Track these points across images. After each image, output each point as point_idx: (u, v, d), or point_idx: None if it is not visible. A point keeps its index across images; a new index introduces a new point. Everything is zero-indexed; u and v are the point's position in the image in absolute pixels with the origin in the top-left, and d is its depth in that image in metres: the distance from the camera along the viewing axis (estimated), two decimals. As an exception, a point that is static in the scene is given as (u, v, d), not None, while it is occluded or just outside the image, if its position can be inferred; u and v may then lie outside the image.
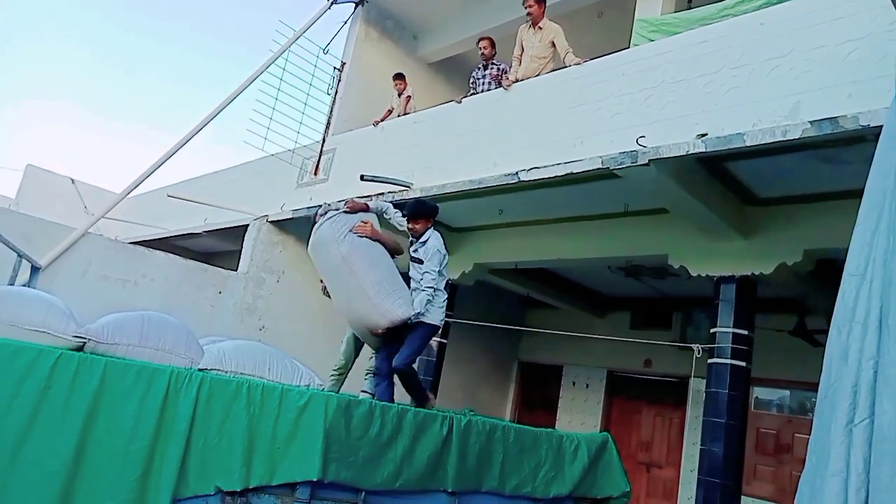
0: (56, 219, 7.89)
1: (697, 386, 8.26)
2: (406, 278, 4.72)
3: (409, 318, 4.39)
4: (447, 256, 4.71)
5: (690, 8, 6.25)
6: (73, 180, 14.59)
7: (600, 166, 5.01)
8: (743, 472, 5.49)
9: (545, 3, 6.56)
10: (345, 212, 4.66)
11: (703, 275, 5.80)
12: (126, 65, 48.86)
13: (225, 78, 59.33)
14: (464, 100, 6.87)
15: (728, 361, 5.37)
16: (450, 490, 3.81)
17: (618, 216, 6.43)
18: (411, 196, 6.70)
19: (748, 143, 4.23)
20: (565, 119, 5.57)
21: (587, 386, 10.45)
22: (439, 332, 4.86)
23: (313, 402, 3.34)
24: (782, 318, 7.58)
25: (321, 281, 4.88)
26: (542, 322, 10.41)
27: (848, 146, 4.26)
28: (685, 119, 4.67)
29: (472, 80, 7.40)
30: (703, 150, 4.43)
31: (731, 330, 5.44)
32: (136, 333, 3.47)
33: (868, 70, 3.86)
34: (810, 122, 3.96)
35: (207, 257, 11.92)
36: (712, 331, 5.61)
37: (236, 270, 8.43)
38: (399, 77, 8.52)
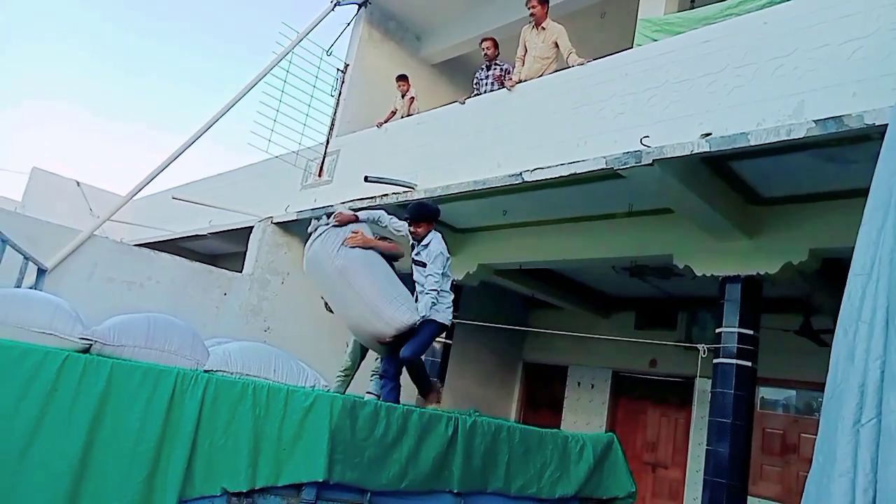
0: (61, 221, 7.94)
1: (703, 386, 8.25)
2: (406, 281, 4.71)
3: (415, 323, 4.37)
4: (450, 258, 4.70)
5: (693, 7, 6.24)
6: (78, 183, 14.66)
7: (604, 166, 5.00)
8: (749, 472, 5.48)
9: (548, 3, 6.56)
10: (334, 225, 4.57)
11: (708, 275, 5.79)
12: (126, 65, 49.14)
13: (224, 78, 59.52)
14: (467, 101, 6.87)
15: (734, 361, 5.35)
16: (455, 491, 3.80)
17: (622, 216, 6.43)
18: (415, 197, 6.70)
19: (752, 143, 4.23)
20: (569, 119, 5.57)
21: (592, 386, 10.44)
22: (446, 331, 4.83)
23: (319, 403, 3.34)
24: (788, 318, 7.56)
25: (322, 297, 4.82)
26: (547, 322, 10.40)
27: (853, 145, 4.25)
28: (689, 119, 4.66)
29: (475, 81, 7.41)
30: (708, 149, 4.43)
31: (736, 330, 5.43)
32: (142, 335, 3.48)
33: (873, 68, 3.85)
34: (815, 122, 3.95)
35: (212, 259, 11.95)
36: (718, 331, 5.59)
37: (241, 272, 8.45)
38: (402, 78, 8.53)
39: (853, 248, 2.86)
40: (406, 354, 4.35)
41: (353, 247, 4.47)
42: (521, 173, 5.63)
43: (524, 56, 6.65)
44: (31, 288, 5.82)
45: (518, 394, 11.48)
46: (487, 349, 10.63)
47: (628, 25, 6.22)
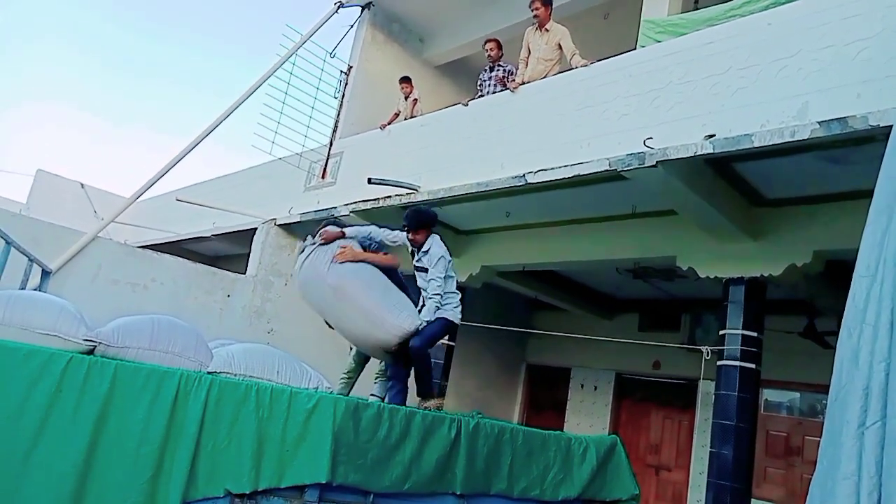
0: (66, 223, 7.95)
1: (706, 388, 8.23)
2: (412, 285, 4.69)
3: (417, 328, 4.34)
4: (451, 260, 4.66)
5: (697, 9, 6.23)
6: (82, 185, 14.71)
7: (608, 168, 5.00)
8: (753, 474, 5.46)
9: (552, 5, 6.57)
10: (321, 244, 4.51)
11: (712, 276, 5.78)
12: (125, 66, 49.38)
13: (225, 80, 59.70)
14: (470, 102, 6.88)
15: (737, 363, 5.34)
16: (458, 493, 3.80)
17: (626, 218, 6.42)
18: (419, 199, 6.71)
19: (756, 144, 4.22)
20: (572, 121, 5.57)
21: (595, 388, 10.42)
22: (456, 329, 4.79)
23: (322, 404, 3.34)
24: (792, 320, 7.54)
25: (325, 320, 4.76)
26: (550, 324, 10.40)
27: (857, 146, 4.23)
28: (693, 120, 4.65)
29: (478, 83, 7.42)
30: (711, 151, 4.42)
31: (740, 332, 5.41)
32: (145, 337, 3.49)
33: (877, 69, 3.84)
34: (819, 123, 3.94)
35: (216, 261, 11.97)
36: (721, 333, 5.58)
37: (244, 274, 8.46)
38: (405, 80, 8.54)
39: (857, 249, 2.85)
40: (415, 344, 4.31)
41: (343, 262, 4.40)
42: (524, 175, 5.63)
43: (527, 58, 6.65)
44: (35, 289, 5.84)
45: (521, 396, 11.47)
46: (490, 351, 10.62)
47: (632, 27, 6.22)
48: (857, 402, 2.58)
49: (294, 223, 8.51)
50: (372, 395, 4.85)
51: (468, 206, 6.90)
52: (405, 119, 8.25)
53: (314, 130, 8.57)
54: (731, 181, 5.34)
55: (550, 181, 5.49)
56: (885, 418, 2.48)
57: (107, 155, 50.80)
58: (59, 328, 3.19)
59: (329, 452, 3.25)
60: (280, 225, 8.72)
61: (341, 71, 8.95)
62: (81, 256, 6.87)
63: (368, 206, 7.22)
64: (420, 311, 4.47)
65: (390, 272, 4.69)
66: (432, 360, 4.75)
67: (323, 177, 8.37)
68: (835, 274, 5.59)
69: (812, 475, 2.78)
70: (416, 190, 6.75)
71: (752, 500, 5.46)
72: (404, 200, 6.83)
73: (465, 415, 4.34)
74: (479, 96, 7.20)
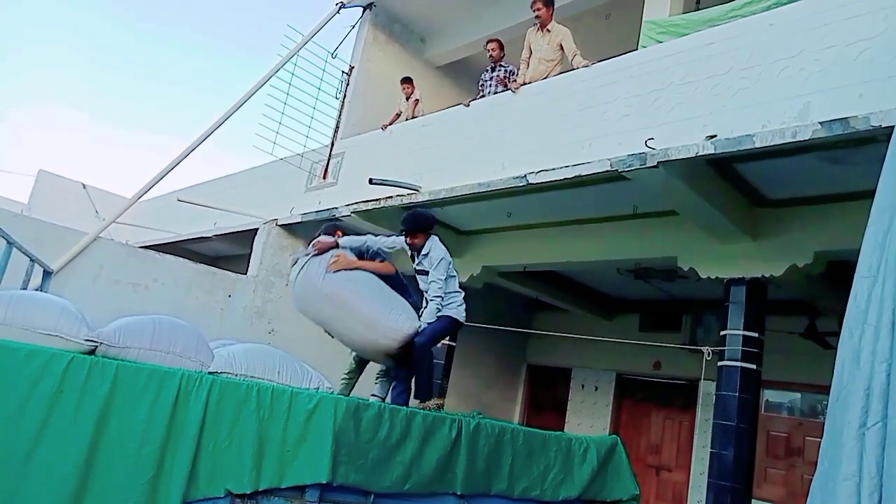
0: (67, 223, 7.96)
1: (707, 388, 8.22)
2: (405, 285, 4.68)
3: (417, 330, 4.34)
4: (452, 261, 4.62)
5: (699, 9, 6.23)
6: (84, 185, 14.73)
7: (609, 168, 4.99)
8: (753, 475, 5.45)
9: (553, 5, 6.56)
10: (314, 255, 4.48)
11: (713, 277, 5.78)
12: (123, 67, 49.48)
13: (224, 80, 59.76)
14: (472, 103, 6.88)
15: (738, 364, 5.34)
16: (458, 493, 3.79)
17: (627, 218, 6.42)
18: (420, 199, 6.71)
19: (758, 145, 4.22)
20: (573, 121, 5.57)
21: (596, 388, 10.42)
22: (460, 328, 4.76)
23: (323, 404, 3.34)
24: (793, 321, 7.53)
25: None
26: (551, 324, 10.40)
27: (858, 147, 4.23)
28: (694, 121, 4.65)
29: (480, 83, 7.42)
30: (713, 151, 4.42)
31: (741, 332, 5.41)
32: (147, 337, 3.49)
33: (879, 70, 3.83)
34: (820, 123, 3.93)
35: (217, 261, 11.98)
36: (722, 333, 5.58)
37: (246, 274, 8.46)
38: (407, 81, 8.55)
39: (859, 250, 2.85)
40: (419, 340, 4.30)
41: (337, 271, 4.38)
42: (525, 175, 5.63)
43: (529, 58, 6.65)
44: (36, 290, 5.85)
45: (521, 396, 11.47)
46: (491, 351, 10.62)
47: (633, 27, 6.22)
48: (858, 402, 2.58)
49: (295, 223, 8.51)
50: (373, 395, 4.85)
51: (469, 206, 6.90)
52: (406, 119, 8.25)
53: (315, 131, 8.59)
54: (733, 182, 5.34)
55: (552, 181, 5.49)
56: (887, 419, 2.48)
57: (108, 155, 50.91)
58: (60, 328, 3.19)
59: (330, 453, 3.25)
60: (281, 225, 8.72)
61: (343, 71, 8.96)
62: (83, 257, 6.87)
63: (370, 206, 7.23)
64: (421, 314, 4.46)
65: (390, 275, 4.69)
66: (433, 360, 4.73)
67: (324, 177, 8.38)
68: (836, 274, 5.59)
69: (813, 476, 2.78)
70: (418, 190, 6.75)
71: (753, 501, 5.47)
72: (406, 201, 6.83)
73: (465, 415, 4.33)
74: (481, 96, 7.21)
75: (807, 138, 3.98)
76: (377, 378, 5.01)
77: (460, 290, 4.67)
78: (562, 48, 6.43)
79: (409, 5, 9.25)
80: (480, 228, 7.88)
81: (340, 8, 8.82)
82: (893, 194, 2.77)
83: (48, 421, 2.80)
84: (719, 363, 5.50)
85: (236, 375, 3.63)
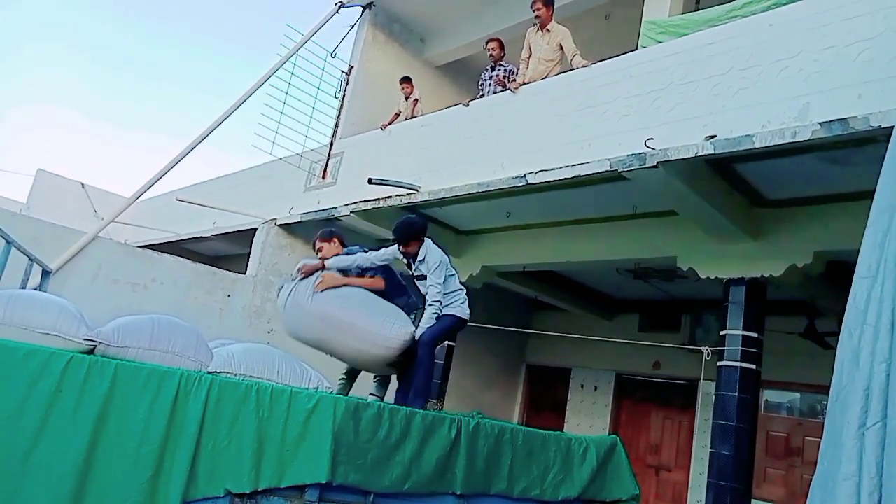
0: (66, 223, 7.95)
1: (707, 389, 8.23)
2: (403, 286, 4.67)
3: (414, 333, 4.32)
4: (448, 264, 4.58)
5: (698, 9, 6.23)
6: (83, 184, 14.71)
7: (608, 168, 4.99)
8: (753, 475, 5.46)
9: (553, 5, 6.56)
10: (301, 279, 4.44)
11: (713, 277, 5.78)
12: (122, 67, 49.48)
13: (224, 80, 59.74)
14: (471, 103, 6.87)
15: (738, 364, 5.34)
16: (458, 493, 3.79)
17: (626, 218, 6.42)
18: (419, 199, 6.71)
19: (757, 145, 4.22)
20: (573, 121, 5.57)
21: (595, 388, 10.42)
22: (464, 325, 4.71)
23: (322, 404, 3.34)
24: (792, 321, 7.54)
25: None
26: (550, 324, 10.41)
27: (858, 147, 4.23)
28: (694, 121, 4.65)
29: (480, 82, 7.42)
30: (712, 151, 4.42)
31: (740, 332, 5.41)
32: (146, 336, 3.48)
33: (879, 70, 3.84)
34: (820, 124, 3.94)
35: (216, 261, 11.97)
36: (722, 333, 5.58)
37: (245, 274, 8.46)
38: (406, 80, 8.54)
39: (858, 250, 2.85)
40: (423, 335, 4.29)
41: (324, 290, 4.34)
42: (524, 175, 5.63)
43: (529, 58, 6.65)
44: (35, 289, 5.84)
45: (521, 396, 11.47)
46: (490, 351, 10.62)
47: (633, 27, 6.22)
48: (857, 402, 2.58)
49: (294, 223, 8.51)
50: (371, 394, 4.85)
51: (469, 206, 6.90)
52: (406, 119, 8.25)
53: (315, 130, 8.59)
54: (732, 182, 5.34)
55: (551, 181, 5.49)
56: (886, 419, 2.48)
57: (107, 155, 50.89)
58: (59, 328, 3.18)
59: (329, 452, 3.25)
60: (280, 225, 8.71)
61: (342, 71, 8.95)
62: (82, 256, 6.87)
63: (369, 206, 7.23)
64: (420, 319, 4.42)
65: (389, 274, 4.68)
66: (434, 362, 4.70)
67: (323, 177, 8.38)
68: (835, 275, 5.59)
69: (812, 476, 2.78)
70: (417, 190, 6.75)
71: (753, 501, 5.47)
72: (405, 200, 6.83)
73: (465, 415, 4.33)
74: (480, 96, 7.20)
75: (806, 139, 3.98)
76: (375, 377, 5.01)
77: (462, 286, 4.64)
78: (561, 48, 6.43)
79: (408, 5, 9.25)
80: (480, 228, 7.88)
81: (340, 7, 8.82)
82: (893, 194, 2.77)
83: (47, 420, 2.80)
84: (719, 363, 5.50)
85: (235, 375, 3.62)
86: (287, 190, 8.87)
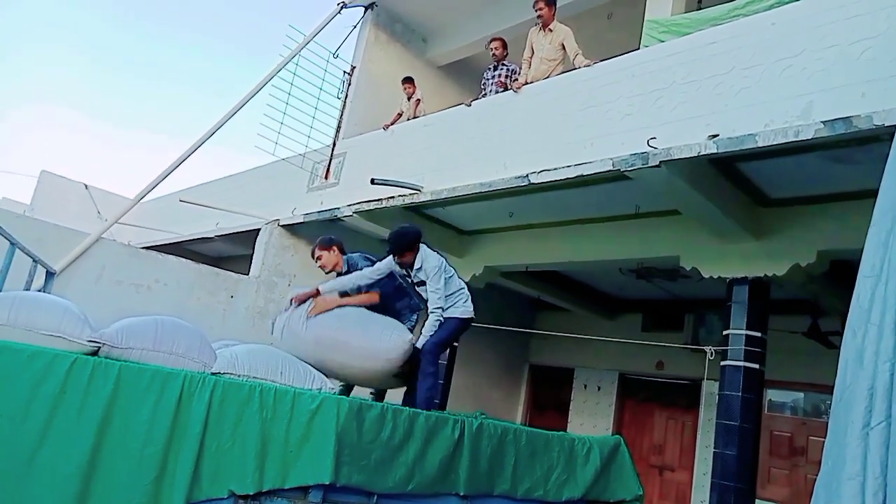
0: (70, 224, 7.98)
1: (710, 388, 8.22)
2: (403, 288, 4.67)
3: (412, 340, 4.32)
4: (446, 267, 4.55)
5: (701, 8, 6.22)
6: (86, 186, 14.75)
7: (611, 168, 4.99)
8: (757, 475, 5.44)
9: (555, 5, 6.56)
10: (295, 308, 4.45)
11: (716, 276, 5.77)
12: (123, 68, 49.56)
13: (225, 79, 59.78)
14: (473, 103, 6.87)
15: (741, 363, 5.33)
16: (462, 493, 3.80)
17: (629, 218, 6.41)
18: (422, 199, 6.71)
19: (760, 144, 4.21)
20: (575, 121, 5.56)
21: (599, 388, 10.41)
22: (469, 325, 4.62)
23: (325, 405, 3.34)
24: (796, 320, 7.52)
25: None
26: (553, 324, 10.40)
27: (861, 146, 4.22)
28: (696, 120, 4.64)
29: (482, 82, 7.42)
30: (715, 151, 4.41)
31: (744, 332, 5.40)
32: (149, 338, 3.49)
33: (882, 69, 3.83)
34: (823, 123, 3.93)
35: (219, 262, 11.99)
36: (725, 333, 5.57)
37: (248, 275, 8.47)
38: (408, 81, 8.55)
39: (862, 249, 2.85)
40: (423, 344, 4.28)
41: (317, 315, 4.35)
42: (527, 175, 5.63)
43: (531, 58, 6.65)
44: (39, 290, 5.86)
45: (524, 396, 11.47)
46: (493, 351, 10.62)
47: (635, 27, 6.21)
48: (861, 402, 2.57)
49: (297, 224, 8.51)
50: (371, 394, 4.86)
51: (471, 206, 6.90)
52: (408, 119, 8.25)
53: (317, 131, 8.59)
54: (735, 181, 5.33)
55: (554, 181, 5.48)
56: (890, 418, 2.48)
57: (109, 156, 51.01)
58: (63, 329, 3.19)
59: (332, 453, 3.25)
60: (283, 226, 8.72)
61: (344, 71, 8.96)
62: (85, 257, 6.88)
63: (371, 206, 7.23)
64: (423, 327, 4.41)
65: (389, 278, 4.66)
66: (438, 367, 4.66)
67: (326, 177, 8.38)
68: (839, 274, 5.58)
69: (816, 475, 2.77)
70: (419, 190, 6.75)
71: (757, 501, 5.45)
72: (407, 201, 6.83)
73: (468, 415, 4.33)
74: (483, 96, 7.20)
75: (809, 137, 3.97)
76: (371, 392, 5.00)
77: (463, 284, 4.63)
78: (564, 48, 6.43)
79: (410, 5, 9.25)
80: (482, 228, 7.88)
81: (342, 8, 8.82)
82: (897, 193, 2.77)
83: (51, 422, 2.81)
84: (722, 363, 5.49)
85: (239, 376, 3.63)
86: (290, 190, 8.88)
